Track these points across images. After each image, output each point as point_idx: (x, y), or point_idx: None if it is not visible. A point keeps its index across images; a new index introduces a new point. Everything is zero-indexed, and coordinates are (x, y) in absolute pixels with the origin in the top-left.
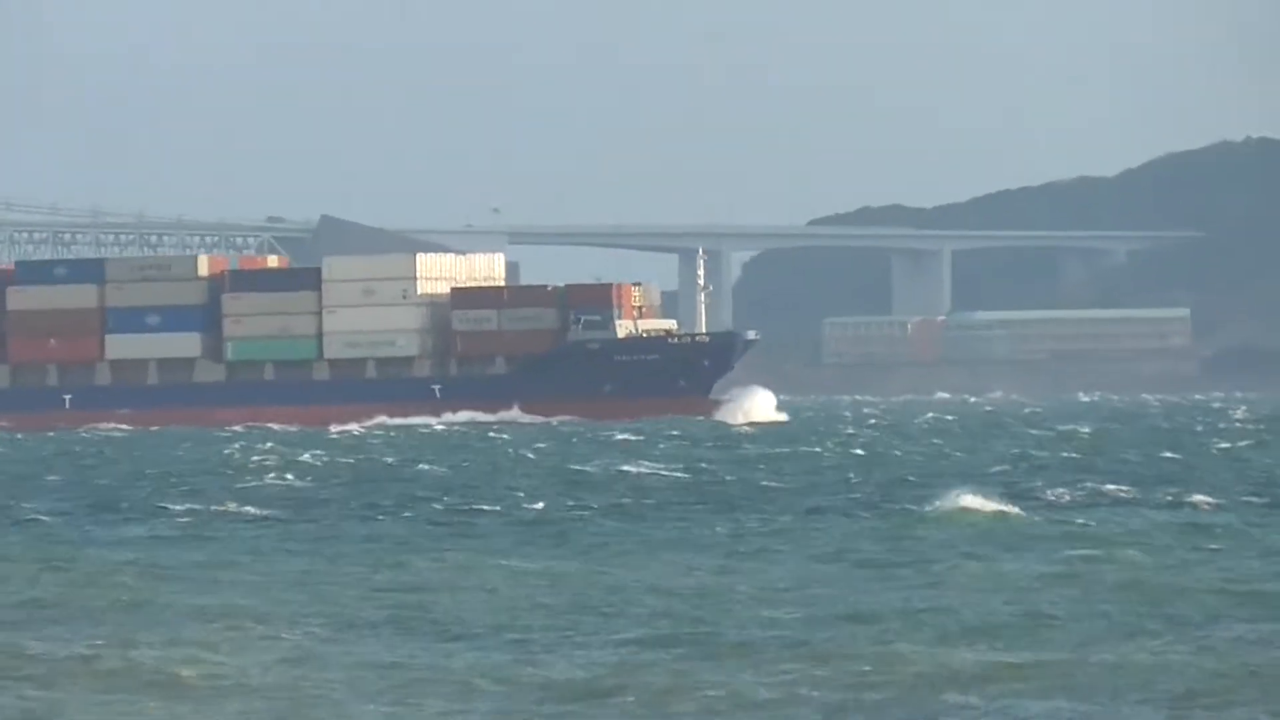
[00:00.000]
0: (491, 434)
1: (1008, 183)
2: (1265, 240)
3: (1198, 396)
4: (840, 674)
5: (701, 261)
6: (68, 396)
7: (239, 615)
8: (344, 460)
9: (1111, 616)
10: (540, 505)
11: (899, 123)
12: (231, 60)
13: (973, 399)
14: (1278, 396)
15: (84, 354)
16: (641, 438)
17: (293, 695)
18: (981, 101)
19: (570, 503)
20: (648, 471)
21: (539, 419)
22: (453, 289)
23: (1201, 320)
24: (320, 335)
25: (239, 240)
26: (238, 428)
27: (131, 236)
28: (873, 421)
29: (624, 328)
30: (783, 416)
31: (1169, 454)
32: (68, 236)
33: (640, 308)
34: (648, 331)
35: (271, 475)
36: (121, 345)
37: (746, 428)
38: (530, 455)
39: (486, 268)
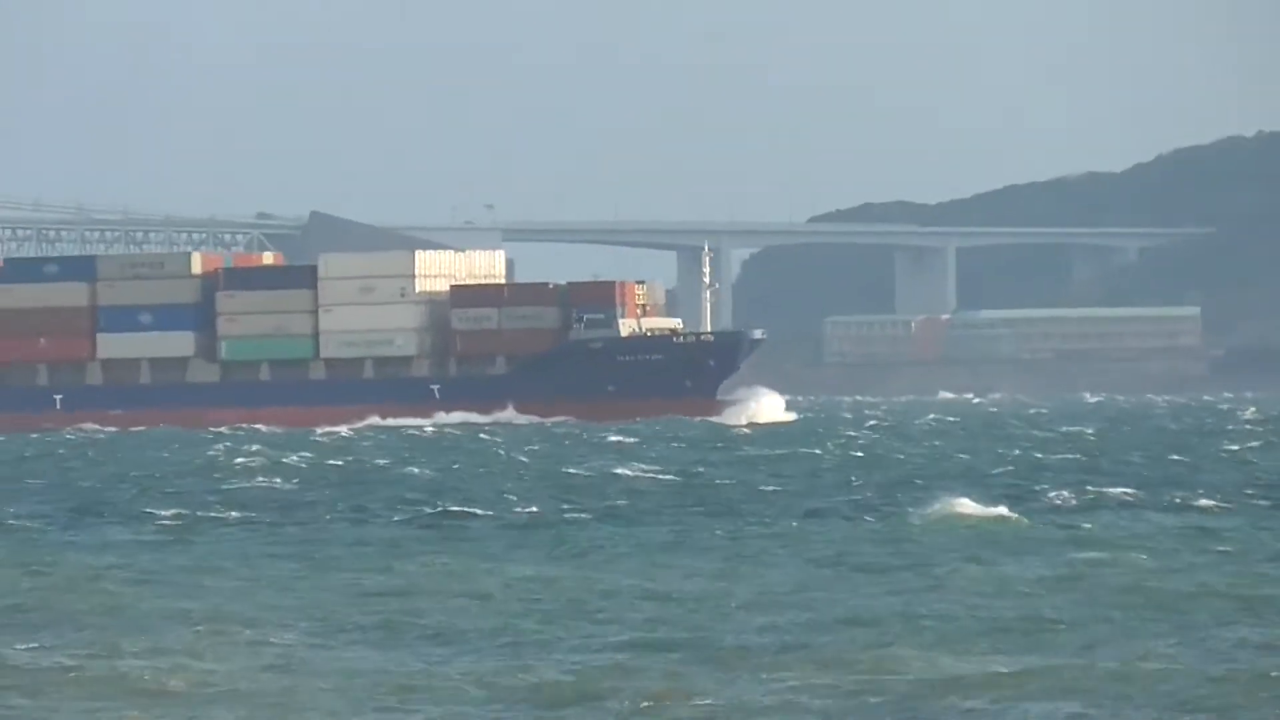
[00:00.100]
0: (483, 435)
1: (1014, 178)
2: (1277, 237)
3: (1206, 397)
4: (840, 679)
5: (707, 259)
6: (59, 397)
7: (225, 620)
8: (332, 462)
9: (1116, 621)
10: (534, 508)
11: (902, 119)
12: (221, 57)
13: (976, 399)
14: None
15: (75, 353)
16: (637, 440)
17: (281, 702)
18: (986, 96)
19: (564, 506)
20: (642, 474)
21: (535, 419)
22: (452, 287)
23: (1212, 319)
24: (316, 334)
25: (227, 237)
26: (224, 429)
27: (118, 234)
28: (872, 423)
29: (627, 327)
30: (791, 416)
31: (1175, 456)
32: (52, 234)
33: (644, 306)
34: (652, 331)
35: (259, 478)
36: (113, 344)
37: (745, 429)
38: (523, 458)
39: (486, 265)
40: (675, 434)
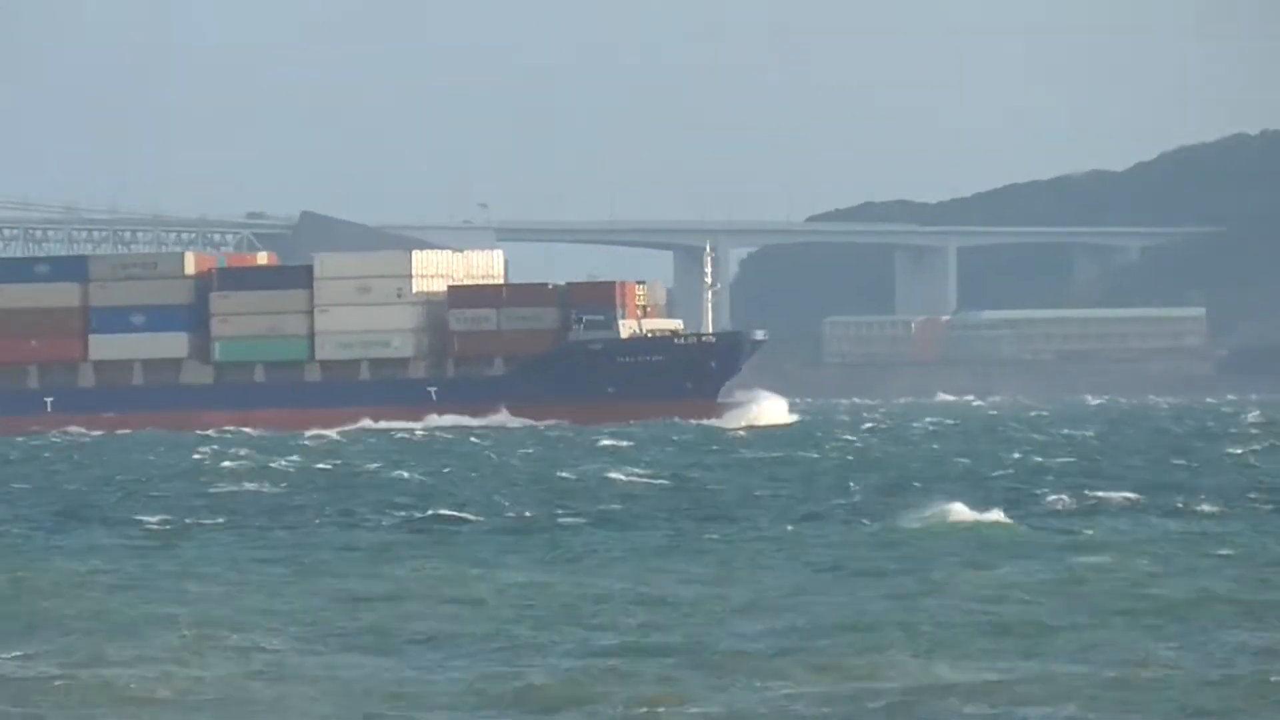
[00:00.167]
0: (473, 439)
1: (1015, 177)
2: None
3: (1209, 399)
4: (835, 684)
5: (709, 258)
6: (49, 399)
7: (213, 626)
8: (320, 466)
9: (1116, 626)
10: (526, 513)
11: (902, 118)
12: (210, 56)
13: (975, 402)
14: None
15: (66, 355)
16: (631, 443)
17: (271, 710)
18: (986, 95)
19: (556, 510)
20: (636, 478)
21: (529, 422)
22: (449, 287)
23: (1217, 319)
24: (312, 335)
25: (217, 237)
26: (211, 432)
27: (106, 233)
28: (869, 425)
29: (628, 328)
30: (794, 418)
31: (1176, 459)
32: (40, 233)
33: (644, 307)
34: (652, 332)
35: (246, 482)
36: (105, 346)
37: (741, 433)
38: (515, 461)
39: (484, 265)
40: (669, 437)
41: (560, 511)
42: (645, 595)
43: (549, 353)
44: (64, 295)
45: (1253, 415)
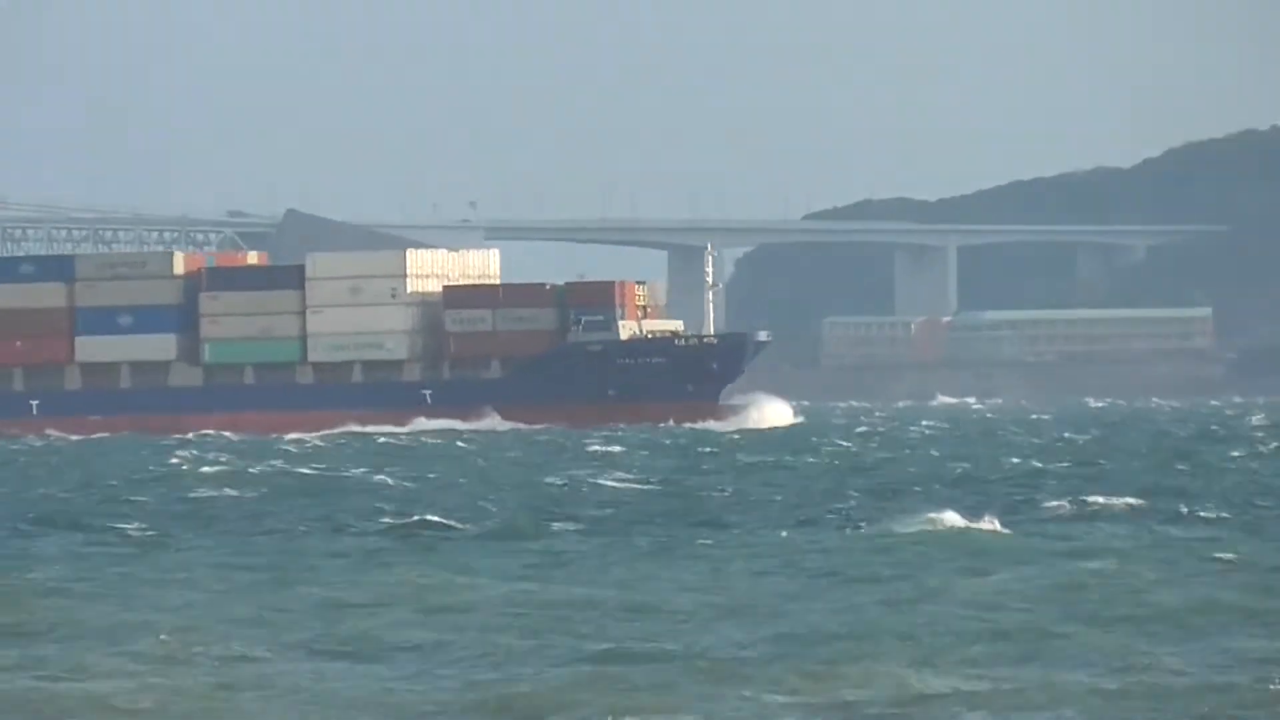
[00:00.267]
0: (460, 443)
1: (1018, 174)
2: None
3: (1214, 402)
4: (831, 692)
5: (710, 258)
6: (35, 402)
7: (194, 634)
8: (302, 471)
9: (1117, 632)
10: (511, 519)
11: (902, 115)
12: (193, 54)
13: (975, 404)
14: None
15: (52, 356)
16: (623, 449)
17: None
18: (989, 90)
19: (543, 516)
20: (628, 483)
21: (523, 426)
22: (445, 287)
23: (1225, 320)
24: (304, 337)
25: (199, 235)
26: (190, 436)
27: (86, 232)
28: (864, 429)
29: (627, 329)
30: (799, 420)
31: (1179, 464)
32: (18, 233)
33: (644, 307)
34: (652, 333)
35: (227, 487)
36: (92, 347)
37: (735, 436)
38: (506, 466)
39: (480, 265)
40: (662, 441)
41: (547, 517)
42: (635, 602)
43: (547, 354)
44: (49, 295)
45: (1257, 418)
